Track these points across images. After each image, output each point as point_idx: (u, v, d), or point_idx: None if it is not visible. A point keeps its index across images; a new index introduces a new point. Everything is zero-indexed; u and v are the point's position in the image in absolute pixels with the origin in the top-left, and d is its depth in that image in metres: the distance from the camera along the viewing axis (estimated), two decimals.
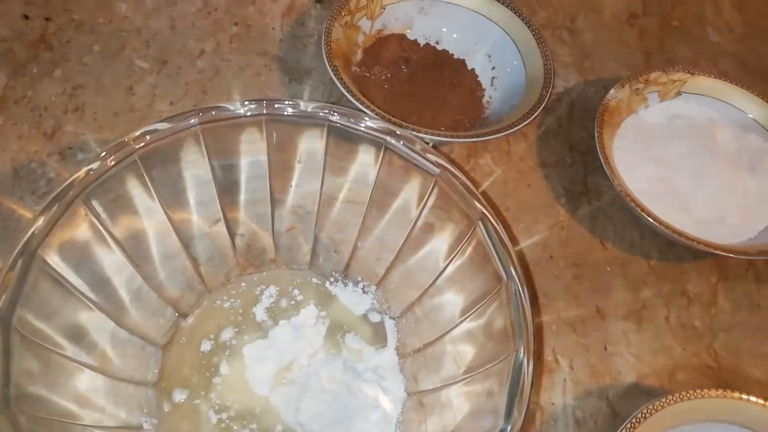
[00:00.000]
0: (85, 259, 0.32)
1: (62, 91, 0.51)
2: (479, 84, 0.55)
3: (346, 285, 0.43)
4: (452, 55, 0.56)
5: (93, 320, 0.33)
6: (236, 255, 0.43)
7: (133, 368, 0.36)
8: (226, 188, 0.40)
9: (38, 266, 0.29)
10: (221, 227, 0.41)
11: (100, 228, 0.33)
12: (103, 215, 0.33)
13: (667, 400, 0.38)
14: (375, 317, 0.42)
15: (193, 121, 0.34)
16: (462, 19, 0.56)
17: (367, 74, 0.54)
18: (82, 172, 0.31)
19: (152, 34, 0.55)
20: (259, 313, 0.42)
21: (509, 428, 0.28)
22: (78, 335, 0.32)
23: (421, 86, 0.54)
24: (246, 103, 0.35)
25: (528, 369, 0.29)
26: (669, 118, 0.54)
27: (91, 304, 0.33)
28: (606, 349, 0.45)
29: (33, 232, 0.29)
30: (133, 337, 0.37)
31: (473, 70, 0.56)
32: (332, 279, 0.44)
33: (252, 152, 0.39)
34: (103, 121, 0.49)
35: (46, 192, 0.45)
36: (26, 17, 0.55)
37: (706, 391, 0.38)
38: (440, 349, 0.38)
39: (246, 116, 0.35)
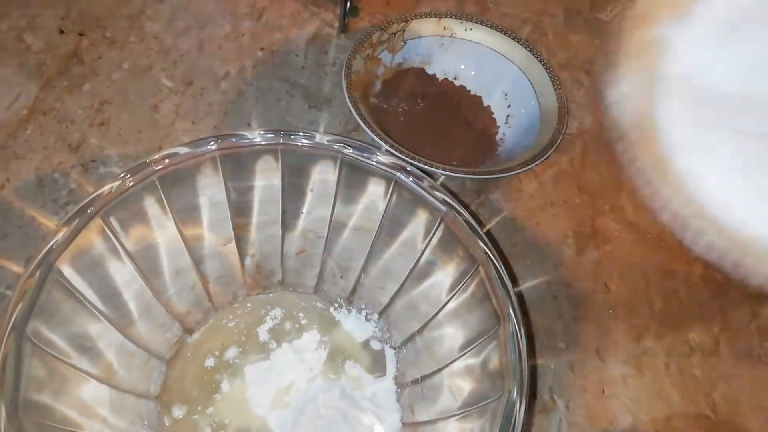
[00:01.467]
0: (98, 272, 0.34)
1: (90, 105, 0.53)
2: (494, 121, 0.56)
3: (349, 311, 0.44)
4: (469, 91, 0.58)
5: (102, 332, 0.34)
6: (245, 275, 0.44)
7: (137, 380, 0.37)
8: (240, 210, 0.41)
9: (54, 278, 0.30)
10: (232, 247, 0.42)
11: (116, 243, 0.34)
12: (119, 231, 0.34)
13: None
14: (376, 345, 0.43)
15: (212, 146, 0.36)
16: (480, 57, 0.57)
17: (385, 105, 0.55)
18: (104, 190, 0.32)
19: (180, 55, 0.57)
20: (263, 333, 0.43)
21: None
22: (86, 345, 0.33)
23: (436, 120, 0.55)
24: (263, 132, 0.36)
25: (519, 411, 0.30)
26: None
27: (101, 316, 0.34)
28: (603, 392, 0.45)
29: (52, 246, 0.30)
30: (139, 349, 0.38)
31: (489, 107, 0.57)
32: (336, 305, 0.45)
33: (267, 178, 0.40)
34: (127, 137, 0.51)
35: (66, 202, 0.47)
36: (62, 31, 0.57)
37: None
38: (438, 381, 0.38)
39: (263, 145, 0.37)
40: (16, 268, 0.44)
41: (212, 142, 0.36)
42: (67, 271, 0.32)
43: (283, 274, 0.45)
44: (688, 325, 0.49)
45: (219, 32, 0.59)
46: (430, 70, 0.58)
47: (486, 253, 0.34)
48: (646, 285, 0.50)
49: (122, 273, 0.35)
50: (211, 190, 0.39)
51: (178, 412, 0.38)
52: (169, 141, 0.51)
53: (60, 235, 0.31)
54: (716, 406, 0.46)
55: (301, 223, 0.44)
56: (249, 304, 0.44)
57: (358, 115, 0.48)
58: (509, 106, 0.56)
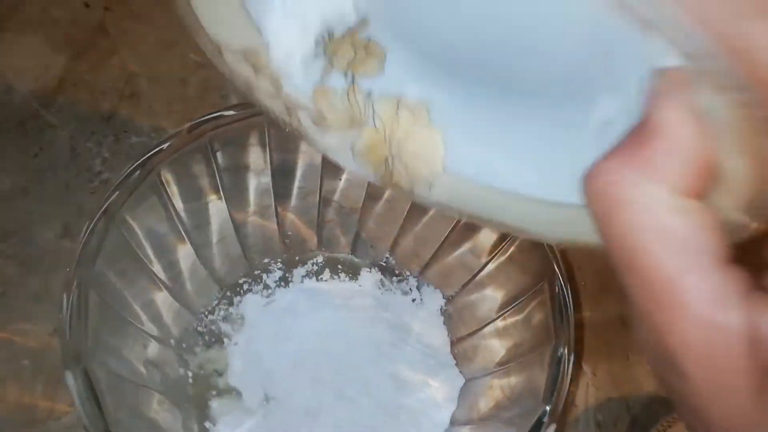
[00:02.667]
0: (153, 227, 0.34)
1: (118, 77, 0.53)
2: None
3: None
4: None
5: (153, 287, 0.35)
6: (281, 243, 0.45)
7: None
8: (281, 179, 0.42)
9: (116, 229, 0.31)
10: (271, 215, 0.43)
11: (168, 202, 0.35)
12: (172, 192, 0.35)
13: None
14: None
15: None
16: None
17: None
18: (159, 148, 0.33)
19: None
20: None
21: (549, 409, 0.30)
22: (141, 297, 0.34)
23: None
24: None
25: (568, 365, 0.31)
26: None
27: (153, 270, 0.35)
28: (628, 359, 0.46)
29: (112, 198, 0.31)
30: (183, 309, 0.39)
31: None
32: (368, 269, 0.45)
33: (309, 148, 0.41)
34: (157, 109, 0.52)
35: (100, 171, 0.47)
36: (87, 5, 0.57)
37: None
38: (476, 342, 0.39)
39: None
40: (51, 234, 0.44)
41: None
42: (128, 221, 0.33)
43: (318, 243, 0.46)
44: None
45: None
46: None
47: None
48: None
49: (173, 231, 0.36)
50: (256, 158, 0.40)
51: None
52: (199, 114, 0.52)
53: (117, 192, 0.32)
54: None
55: (337, 194, 0.44)
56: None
57: None
58: None
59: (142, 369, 0.33)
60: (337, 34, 0.23)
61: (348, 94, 0.24)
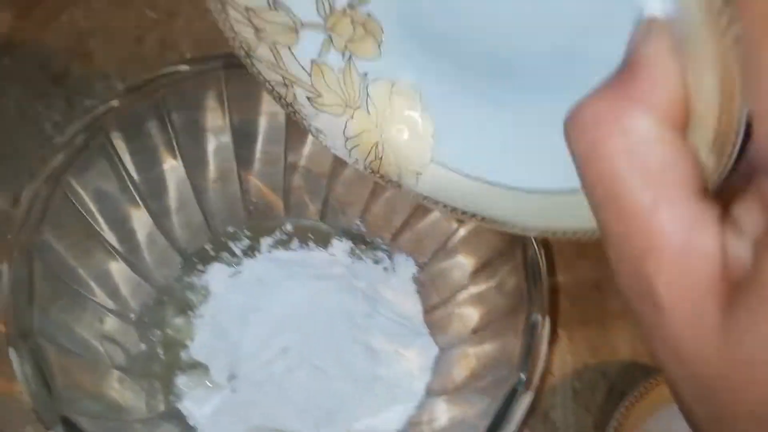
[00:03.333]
0: (104, 193, 0.32)
1: (68, 36, 0.50)
2: None
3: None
4: None
5: (108, 257, 0.33)
6: (245, 209, 0.42)
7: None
8: (242, 141, 0.39)
9: (61, 193, 0.28)
10: (234, 180, 0.41)
11: (119, 166, 0.33)
12: (125, 154, 0.32)
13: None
14: None
15: (217, 64, 0.34)
16: None
17: None
18: (107, 106, 0.31)
19: None
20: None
21: (524, 378, 0.29)
22: (95, 268, 0.32)
23: None
24: None
25: (543, 330, 0.30)
26: None
27: (107, 239, 0.32)
28: (605, 325, 0.46)
29: (57, 161, 0.28)
30: (142, 280, 0.36)
31: None
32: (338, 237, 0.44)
33: (273, 105, 0.38)
34: (111, 69, 0.48)
35: (52, 135, 0.44)
36: None
37: None
38: (448, 311, 0.38)
39: None
40: (2, 202, 0.41)
41: (219, 60, 0.34)
42: (73, 185, 0.30)
43: (285, 210, 0.44)
44: None
45: None
46: None
47: None
48: None
49: (127, 198, 0.34)
50: (214, 119, 0.37)
51: None
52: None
53: (63, 153, 0.29)
54: None
55: (304, 159, 0.42)
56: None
57: None
58: None
59: (98, 345, 0.31)
60: (338, 7, 0.23)
61: (344, 74, 0.24)
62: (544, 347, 0.30)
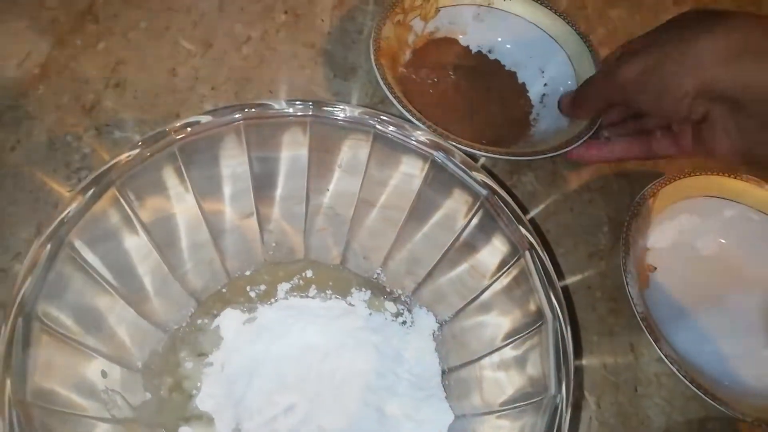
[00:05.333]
0: (112, 245, 0.31)
1: (104, 66, 0.50)
2: (528, 99, 0.53)
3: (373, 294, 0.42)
4: (504, 66, 0.54)
5: (114, 307, 0.32)
6: (264, 251, 0.41)
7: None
8: (262, 183, 0.38)
9: (66, 252, 0.28)
10: (252, 222, 0.40)
11: (131, 215, 0.32)
12: (135, 202, 0.32)
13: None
14: None
15: (237, 116, 0.33)
16: (517, 30, 0.54)
17: (414, 76, 0.52)
18: (120, 158, 0.30)
19: (200, 15, 0.54)
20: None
21: None
22: (97, 323, 0.31)
23: (467, 94, 0.52)
24: (292, 102, 0.34)
25: (565, 419, 0.27)
26: None
27: (113, 291, 0.32)
28: (636, 390, 0.43)
29: (65, 218, 0.28)
30: (152, 327, 0.36)
31: (524, 84, 0.54)
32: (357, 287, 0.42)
33: (293, 150, 0.37)
34: (143, 101, 0.48)
35: (80, 167, 0.44)
36: None
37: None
38: (469, 374, 0.36)
39: (291, 116, 0.34)
40: (26, 234, 0.41)
41: (237, 112, 0.33)
42: (80, 244, 0.29)
43: (305, 251, 0.42)
44: None
45: None
46: (463, 41, 0.55)
47: (531, 243, 0.31)
48: None
49: (137, 246, 0.33)
50: (233, 161, 0.36)
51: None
52: (187, 107, 0.49)
53: (73, 206, 0.29)
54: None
55: (327, 200, 0.41)
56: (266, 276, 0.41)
57: (386, 86, 0.45)
58: (546, 84, 0.53)
59: (85, 401, 0.30)
60: None
61: None
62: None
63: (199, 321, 0.39)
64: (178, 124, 0.32)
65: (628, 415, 0.42)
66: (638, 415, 0.42)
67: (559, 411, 0.29)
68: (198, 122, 0.32)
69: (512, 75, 0.54)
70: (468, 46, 0.55)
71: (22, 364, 0.25)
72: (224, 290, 0.40)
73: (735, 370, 0.43)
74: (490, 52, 0.55)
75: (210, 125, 0.32)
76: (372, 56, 0.46)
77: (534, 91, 0.53)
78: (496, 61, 0.55)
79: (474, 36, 0.55)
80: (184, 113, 0.48)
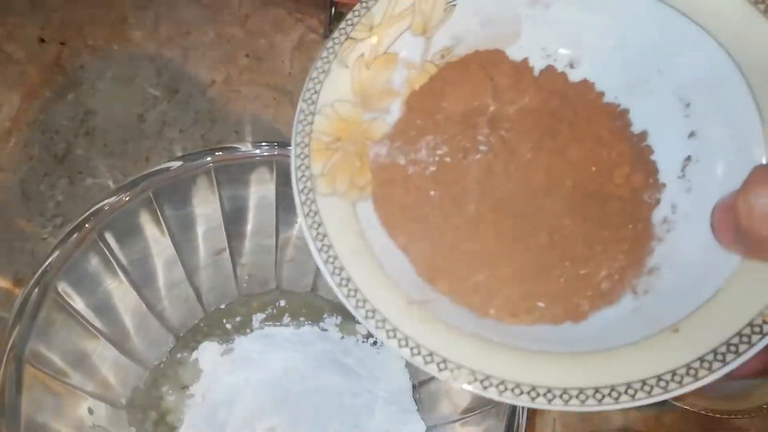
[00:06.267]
0: (93, 288, 0.33)
1: (74, 116, 0.52)
2: (651, 171, 0.25)
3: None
4: (601, 94, 0.26)
5: (97, 348, 0.34)
6: (238, 284, 0.44)
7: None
8: (233, 219, 0.41)
9: (52, 297, 0.30)
10: (226, 257, 0.42)
11: (110, 258, 0.34)
12: (115, 247, 0.34)
13: None
14: None
15: (207, 159, 0.35)
16: (630, 17, 0.25)
17: (402, 162, 0.26)
18: (100, 205, 0.32)
19: (164, 63, 0.56)
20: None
21: None
22: (82, 363, 0.33)
23: (520, 191, 0.25)
24: (258, 144, 0.36)
25: (522, 415, 0.30)
26: None
27: (96, 333, 0.34)
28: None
29: (47, 266, 0.30)
30: (134, 364, 0.37)
31: (644, 134, 0.26)
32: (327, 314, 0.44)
33: (261, 188, 0.40)
34: (113, 147, 0.51)
35: (54, 215, 0.46)
36: (42, 41, 0.56)
37: None
38: (435, 387, 0.39)
39: (258, 156, 0.37)
40: (2, 283, 0.43)
41: (207, 155, 0.35)
42: (63, 288, 0.31)
43: (278, 281, 0.45)
44: None
45: (203, 39, 0.59)
46: (515, 53, 0.27)
47: None
48: None
49: (117, 287, 0.35)
50: (204, 201, 0.39)
51: None
52: (156, 151, 0.51)
53: (55, 254, 0.31)
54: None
55: (296, 231, 0.44)
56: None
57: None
58: (692, 133, 0.25)
59: None
60: None
61: None
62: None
63: (178, 355, 0.40)
64: (152, 170, 0.34)
65: (589, 414, 0.45)
66: (599, 413, 0.45)
67: (516, 413, 0.31)
68: (169, 168, 0.35)
69: (622, 116, 0.26)
70: (526, 60, 0.27)
71: (16, 406, 0.27)
72: (201, 324, 0.42)
73: None
74: (572, 65, 0.27)
75: (181, 170, 0.35)
76: (293, 171, 0.26)
77: (665, 151, 0.25)
78: (586, 84, 0.27)
79: (535, 38, 0.27)
80: (153, 157, 0.50)
